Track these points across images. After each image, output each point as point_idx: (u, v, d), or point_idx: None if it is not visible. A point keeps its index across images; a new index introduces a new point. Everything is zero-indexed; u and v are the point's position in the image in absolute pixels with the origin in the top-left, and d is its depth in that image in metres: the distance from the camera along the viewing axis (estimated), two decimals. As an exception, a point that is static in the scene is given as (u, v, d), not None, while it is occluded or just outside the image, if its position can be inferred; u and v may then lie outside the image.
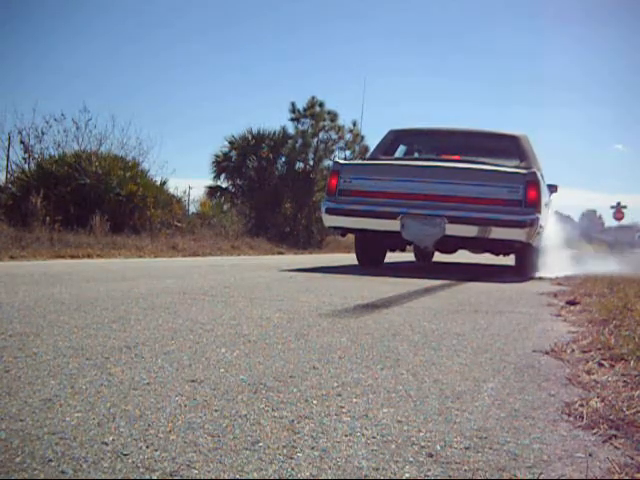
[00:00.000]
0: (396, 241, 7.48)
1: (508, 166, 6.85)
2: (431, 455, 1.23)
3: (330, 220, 7.16)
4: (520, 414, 1.54)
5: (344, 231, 7.54)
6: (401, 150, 8.13)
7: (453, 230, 6.53)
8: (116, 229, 11.07)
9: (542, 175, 7.00)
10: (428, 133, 8.33)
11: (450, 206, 6.52)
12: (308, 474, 1.12)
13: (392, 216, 6.64)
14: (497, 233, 6.45)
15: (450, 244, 7.52)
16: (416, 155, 8.33)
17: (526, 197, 6.34)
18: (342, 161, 7.60)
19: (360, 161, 7.77)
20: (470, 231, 6.54)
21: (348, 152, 19.32)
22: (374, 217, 6.75)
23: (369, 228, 6.89)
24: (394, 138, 7.89)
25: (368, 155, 7.80)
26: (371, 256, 7.75)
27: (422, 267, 8.84)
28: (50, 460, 1.12)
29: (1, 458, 1.12)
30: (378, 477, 1.12)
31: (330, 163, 19.05)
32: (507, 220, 6.37)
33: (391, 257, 8.94)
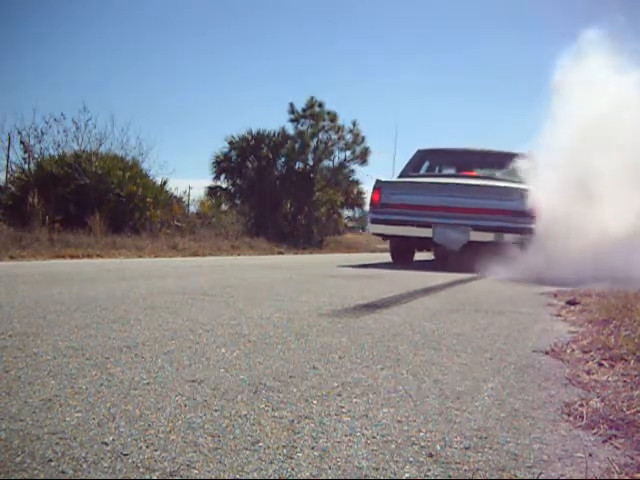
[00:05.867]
0: (425, 244, 9.30)
1: (516, 182, 7.97)
2: (431, 455, 1.23)
3: (374, 228, 8.82)
4: (520, 414, 1.54)
5: (386, 237, 9.29)
6: (425, 166, 9.77)
7: (476, 236, 7.96)
8: (116, 229, 11.07)
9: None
10: (450, 152, 9.97)
11: (473, 216, 7.99)
12: (308, 474, 1.12)
13: (426, 225, 8.10)
14: (507, 238, 7.73)
15: (471, 248, 8.70)
16: (437, 170, 10.11)
17: (527, 208, 7.46)
18: (383, 179, 8.95)
19: (398, 179, 9.10)
20: (488, 237, 7.89)
21: (348, 152, 19.34)
22: (411, 225, 8.22)
23: (407, 235, 8.43)
24: (421, 156, 9.64)
25: (400, 172, 9.37)
26: (404, 255, 9.37)
27: (441, 265, 9.01)
28: (50, 460, 1.12)
29: (1, 458, 1.12)
30: (378, 477, 1.12)
31: (329, 163, 19.19)
32: (515, 227, 7.67)
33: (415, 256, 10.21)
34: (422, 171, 9.51)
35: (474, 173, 8.88)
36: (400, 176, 9.20)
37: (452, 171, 9.85)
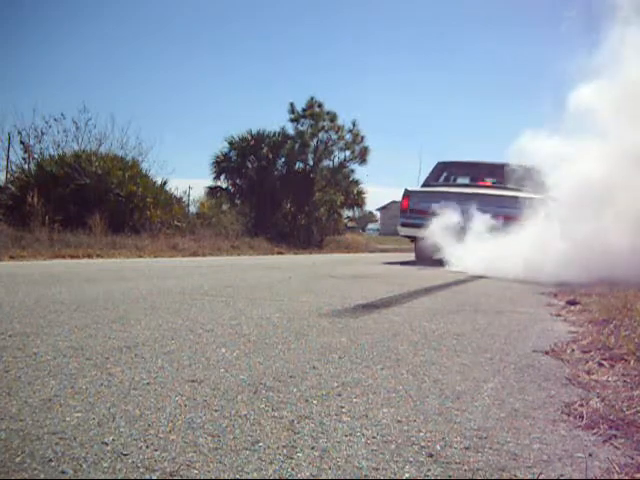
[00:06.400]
0: None
1: (522, 191, 8.61)
2: (431, 455, 1.23)
3: (404, 231, 10.09)
4: (520, 414, 1.54)
5: (413, 238, 10.22)
6: (443, 176, 11.07)
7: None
8: (116, 229, 11.07)
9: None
10: (466, 164, 11.24)
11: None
12: (308, 474, 1.12)
13: None
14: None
15: None
16: (452, 179, 11.32)
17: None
18: (411, 188, 10.12)
19: (423, 188, 10.30)
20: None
21: (348, 152, 19.33)
22: None
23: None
24: (441, 167, 11.01)
25: (423, 182, 10.62)
26: (426, 255, 10.00)
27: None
28: (50, 460, 1.12)
29: (1, 458, 1.12)
30: (378, 477, 1.12)
31: (329, 163, 19.22)
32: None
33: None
34: (441, 180, 10.84)
35: (489, 183, 10.18)
36: (423, 185, 10.43)
37: (466, 181, 11.14)
